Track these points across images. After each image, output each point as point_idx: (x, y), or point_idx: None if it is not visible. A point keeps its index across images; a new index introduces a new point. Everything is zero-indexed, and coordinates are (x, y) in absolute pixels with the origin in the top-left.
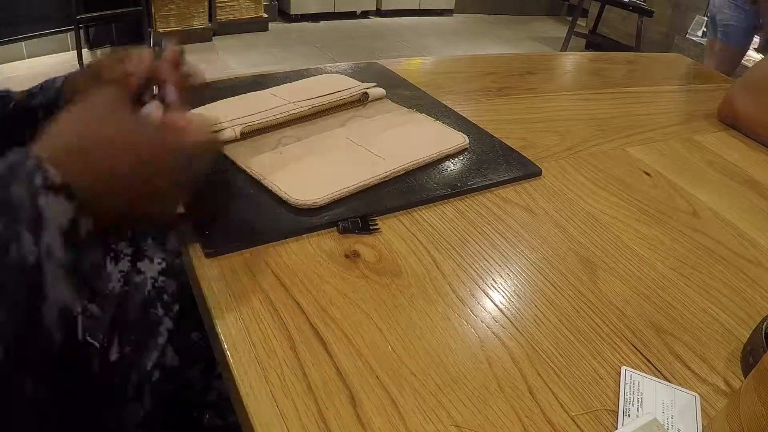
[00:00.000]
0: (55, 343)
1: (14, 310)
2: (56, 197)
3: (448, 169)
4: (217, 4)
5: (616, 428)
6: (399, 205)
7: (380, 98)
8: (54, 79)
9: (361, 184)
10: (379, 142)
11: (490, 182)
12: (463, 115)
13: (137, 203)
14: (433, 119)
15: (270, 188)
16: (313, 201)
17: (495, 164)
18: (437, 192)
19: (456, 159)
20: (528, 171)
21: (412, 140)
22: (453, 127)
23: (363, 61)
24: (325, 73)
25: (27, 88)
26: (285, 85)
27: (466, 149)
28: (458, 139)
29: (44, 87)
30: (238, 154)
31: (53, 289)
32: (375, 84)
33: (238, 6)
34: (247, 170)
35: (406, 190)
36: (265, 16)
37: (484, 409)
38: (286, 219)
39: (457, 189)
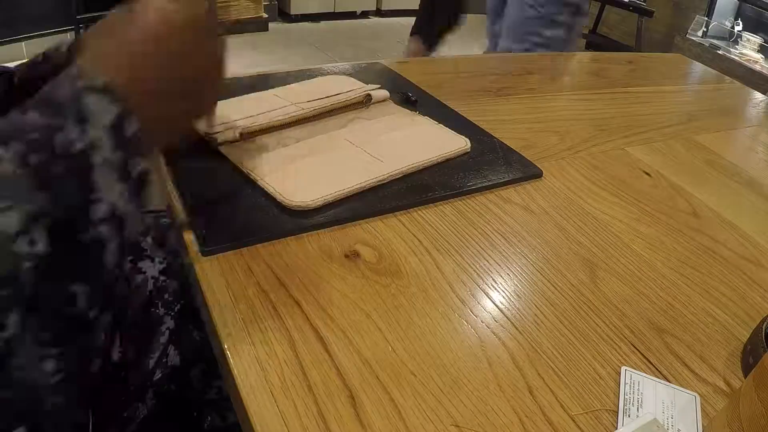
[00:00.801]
0: (108, 250)
1: (62, 195)
2: (100, 97)
3: (449, 170)
4: (217, 5)
5: (616, 428)
6: (398, 206)
7: (383, 100)
8: (58, 45)
9: (357, 186)
10: (379, 144)
11: (490, 183)
12: (464, 115)
13: (179, 101)
14: (435, 122)
15: (266, 189)
16: (307, 204)
17: (495, 165)
18: (437, 193)
19: (457, 160)
20: (529, 172)
21: (412, 143)
22: (455, 130)
23: (364, 61)
24: (327, 73)
25: (26, 61)
26: (288, 85)
27: (467, 153)
28: (460, 143)
29: (48, 54)
30: (238, 155)
31: (102, 183)
32: (378, 86)
33: (238, 6)
34: (245, 170)
35: (406, 190)
36: (265, 16)
37: (484, 409)
38: (282, 219)
39: (457, 190)
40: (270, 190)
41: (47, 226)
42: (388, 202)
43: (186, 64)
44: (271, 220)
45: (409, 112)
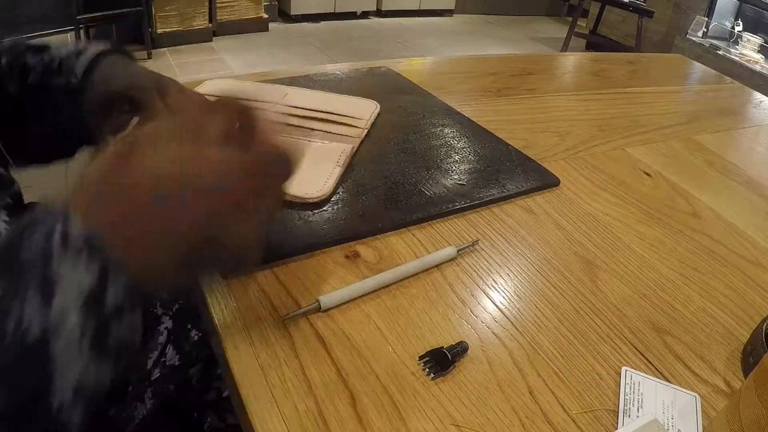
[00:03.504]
0: (68, 425)
1: (17, 394)
2: (77, 256)
3: (465, 180)
4: (218, 5)
5: (617, 428)
6: (419, 218)
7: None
8: (76, 58)
9: (339, 167)
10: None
11: (509, 193)
12: (467, 116)
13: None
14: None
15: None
16: (318, 196)
17: (513, 174)
18: (458, 204)
19: (471, 168)
20: (546, 181)
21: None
22: (461, 132)
23: (366, 63)
24: (329, 72)
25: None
26: (303, 90)
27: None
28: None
29: (65, 65)
30: None
31: (63, 374)
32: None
33: (238, 6)
34: None
35: (425, 202)
36: (266, 16)
37: (484, 409)
38: (298, 234)
39: (476, 201)
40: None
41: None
42: (408, 214)
43: (185, 212)
44: (290, 236)
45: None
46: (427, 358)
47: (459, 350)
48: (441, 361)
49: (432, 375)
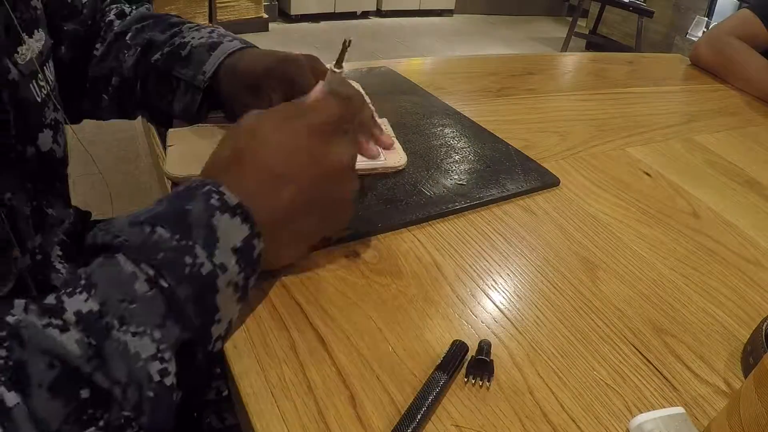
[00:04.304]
0: (214, 355)
1: (189, 319)
2: (231, 218)
3: (465, 180)
4: (217, 5)
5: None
6: (419, 218)
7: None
8: (208, 53)
9: None
10: None
11: (509, 193)
12: (467, 116)
13: (309, 220)
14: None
15: None
16: (403, 163)
17: (513, 174)
18: (458, 204)
19: (471, 168)
20: (546, 181)
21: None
22: (462, 131)
23: (366, 63)
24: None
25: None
26: None
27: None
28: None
29: (195, 57)
30: None
31: (224, 304)
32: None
33: (238, 6)
34: None
35: (426, 202)
36: (266, 16)
37: (485, 409)
38: None
39: (476, 201)
40: None
41: (175, 349)
42: (408, 214)
43: (316, 189)
44: None
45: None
46: (473, 372)
47: (487, 348)
48: (483, 367)
49: (488, 384)
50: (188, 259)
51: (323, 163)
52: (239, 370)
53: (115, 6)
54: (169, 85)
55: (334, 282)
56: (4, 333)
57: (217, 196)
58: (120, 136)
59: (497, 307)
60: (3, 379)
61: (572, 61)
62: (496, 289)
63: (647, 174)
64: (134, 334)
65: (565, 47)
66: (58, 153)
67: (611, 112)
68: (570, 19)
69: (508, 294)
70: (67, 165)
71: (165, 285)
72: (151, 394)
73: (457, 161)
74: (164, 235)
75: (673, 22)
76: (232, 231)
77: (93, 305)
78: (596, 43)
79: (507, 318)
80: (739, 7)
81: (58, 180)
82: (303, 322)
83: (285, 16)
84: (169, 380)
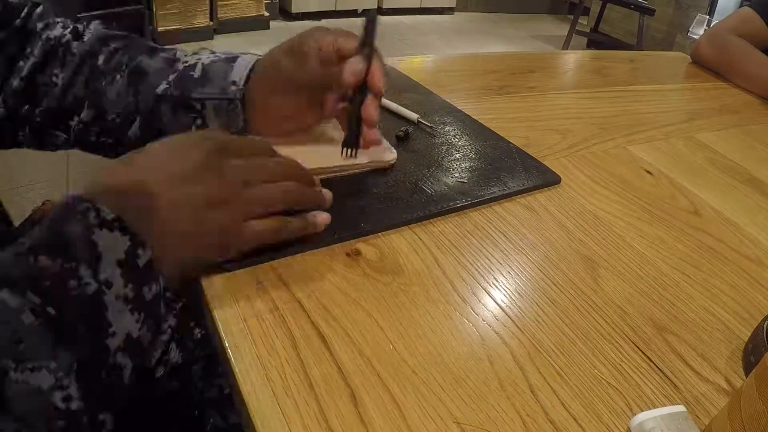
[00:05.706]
0: (125, 374)
1: (81, 339)
2: (110, 232)
3: (466, 178)
4: (219, 3)
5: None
6: (419, 216)
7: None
8: (229, 64)
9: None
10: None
11: (510, 191)
12: (468, 113)
13: (203, 220)
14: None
15: None
16: (393, 158)
17: (514, 172)
18: (458, 202)
19: (472, 166)
20: (548, 179)
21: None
22: (463, 130)
23: None
24: None
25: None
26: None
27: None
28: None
29: (214, 73)
30: None
31: (115, 318)
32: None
33: (239, 4)
34: None
35: (426, 200)
36: (267, 14)
37: (486, 407)
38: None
39: (477, 199)
40: None
41: (73, 373)
42: (409, 212)
43: (202, 183)
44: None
45: None
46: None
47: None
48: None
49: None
50: (73, 283)
51: (202, 176)
52: (240, 368)
53: (59, 21)
54: (189, 112)
55: (336, 280)
56: None
57: (94, 213)
58: None
59: (498, 305)
60: None
61: (573, 59)
62: (497, 287)
63: (648, 172)
64: (32, 370)
65: (566, 45)
66: None
67: (612, 110)
68: (571, 17)
69: (509, 292)
70: None
71: (52, 312)
72: (61, 423)
73: (458, 159)
74: (47, 262)
75: (675, 20)
76: (113, 245)
77: None
78: (597, 41)
79: (508, 316)
80: (741, 5)
81: None
82: (304, 320)
83: (286, 14)
84: (75, 404)
